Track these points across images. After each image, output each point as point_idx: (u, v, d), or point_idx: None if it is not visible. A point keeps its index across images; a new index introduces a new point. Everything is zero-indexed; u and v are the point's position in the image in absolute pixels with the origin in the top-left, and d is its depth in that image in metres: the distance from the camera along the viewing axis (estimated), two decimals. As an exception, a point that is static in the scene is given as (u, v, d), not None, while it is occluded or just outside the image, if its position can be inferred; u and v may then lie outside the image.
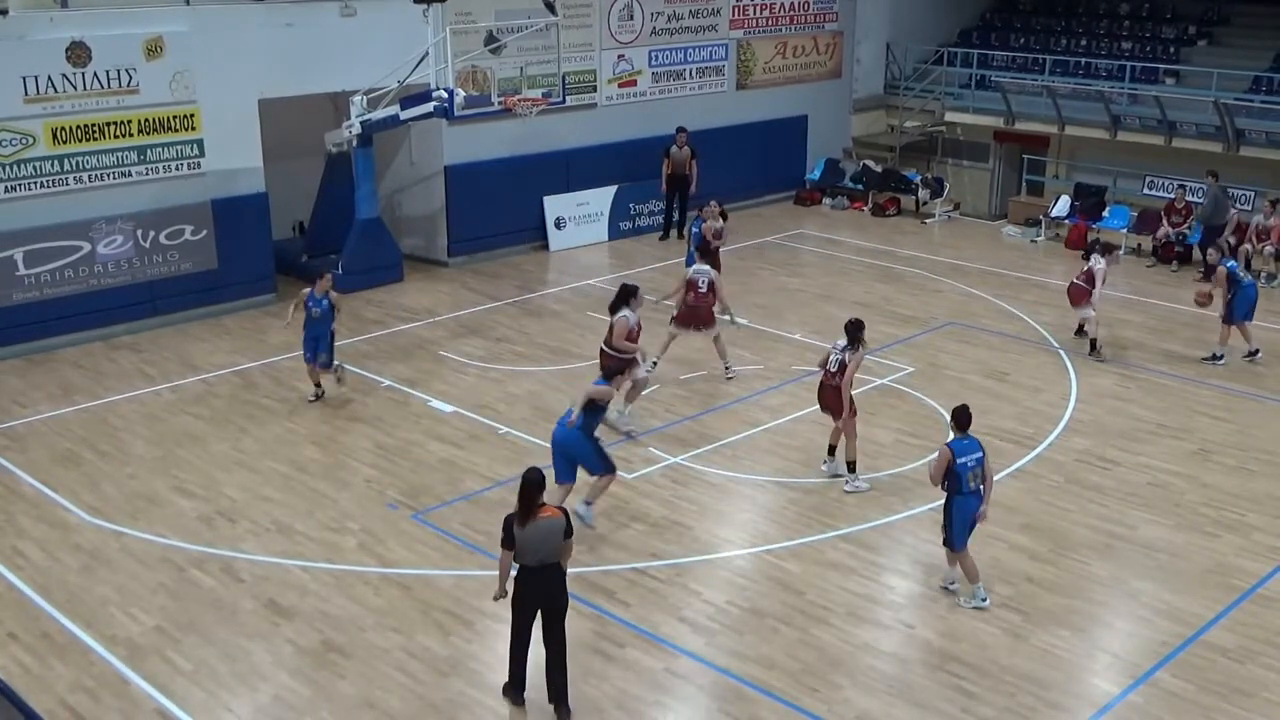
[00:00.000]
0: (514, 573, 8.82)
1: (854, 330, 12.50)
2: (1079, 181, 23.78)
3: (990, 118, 25.32)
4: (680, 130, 21.99)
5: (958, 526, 10.35)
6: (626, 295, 13.80)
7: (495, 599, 8.98)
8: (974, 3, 28.66)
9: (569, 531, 8.71)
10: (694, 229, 18.16)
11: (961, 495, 10.24)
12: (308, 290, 14.62)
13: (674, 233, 22.61)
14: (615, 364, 12.62)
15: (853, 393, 12.51)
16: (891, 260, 21.41)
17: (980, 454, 10.32)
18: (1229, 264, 16.34)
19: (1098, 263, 16.36)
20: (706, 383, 15.50)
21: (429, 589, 10.77)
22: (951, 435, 10.54)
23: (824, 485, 12.74)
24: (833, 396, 12.48)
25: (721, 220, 17.88)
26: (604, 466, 11.47)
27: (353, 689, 9.38)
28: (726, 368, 15.57)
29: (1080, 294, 16.28)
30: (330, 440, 13.88)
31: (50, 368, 16.11)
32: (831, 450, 12.94)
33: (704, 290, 15.15)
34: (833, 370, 12.44)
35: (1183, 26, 25.52)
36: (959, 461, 10.19)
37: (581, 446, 11.33)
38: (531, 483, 8.63)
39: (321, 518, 12.07)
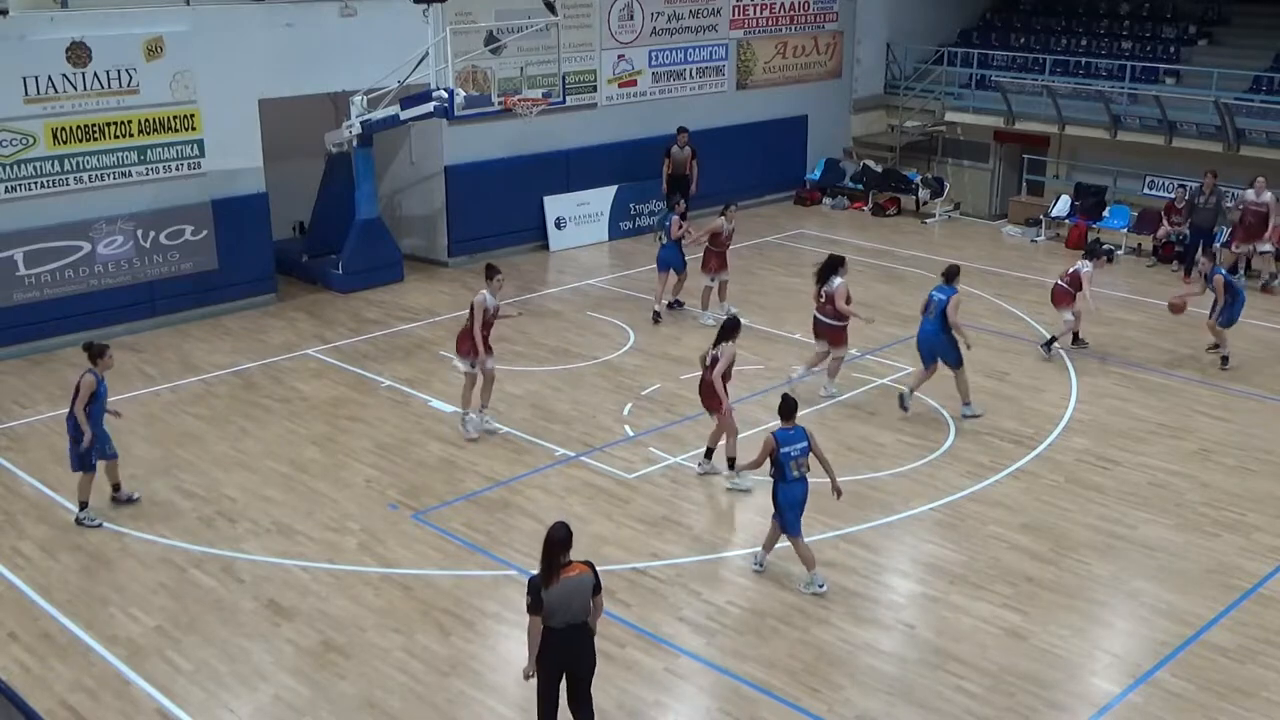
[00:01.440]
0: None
1: (723, 331, 12.56)
2: (1079, 181, 23.78)
3: (990, 118, 25.34)
4: (681, 130, 21.99)
5: (788, 513, 10.53)
6: (835, 264, 14.50)
7: (526, 677, 8.16)
8: (974, 3, 28.68)
9: (598, 587, 8.01)
10: (665, 222, 18.15)
11: (785, 483, 10.47)
12: (90, 371, 11.63)
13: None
14: (830, 330, 14.48)
15: (726, 392, 12.51)
16: (891, 260, 21.41)
17: (804, 443, 10.49)
18: (1224, 272, 16.20)
19: (1084, 266, 16.10)
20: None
21: (429, 589, 10.77)
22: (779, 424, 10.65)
23: (824, 485, 12.70)
24: (707, 391, 12.53)
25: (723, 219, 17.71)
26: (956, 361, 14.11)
27: (353, 689, 9.38)
28: (464, 416, 13.86)
29: (1063, 296, 16.19)
30: (330, 440, 13.88)
31: (50, 368, 16.10)
32: (709, 453, 12.87)
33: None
34: (707, 364, 12.55)
35: (1183, 26, 25.53)
36: (782, 451, 10.39)
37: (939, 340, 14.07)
38: (556, 541, 7.84)
39: (321, 518, 12.07)
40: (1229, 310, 15.94)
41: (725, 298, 17.89)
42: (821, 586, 10.62)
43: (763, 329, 17.48)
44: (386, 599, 10.63)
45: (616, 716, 9.04)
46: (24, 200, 16.22)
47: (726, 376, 12.50)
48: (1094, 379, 15.69)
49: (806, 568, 10.65)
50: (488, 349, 13.54)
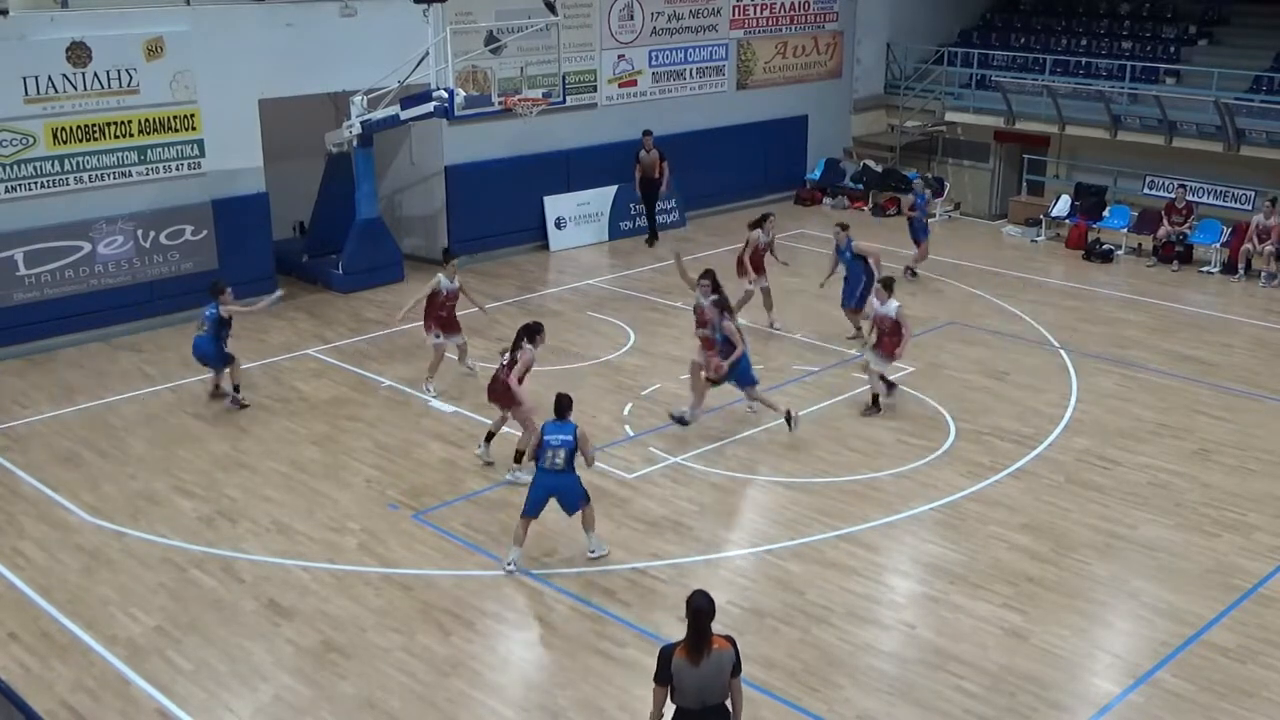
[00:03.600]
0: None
1: (524, 333, 12.57)
2: (1079, 181, 23.77)
3: (990, 117, 25.32)
4: (646, 133, 21.95)
5: (530, 494, 10.96)
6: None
7: None
8: (974, 3, 28.66)
9: (738, 667, 7.19)
10: (920, 199, 20.32)
11: (539, 471, 10.89)
12: (221, 306, 14.41)
13: (661, 236, 22.63)
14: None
15: (528, 386, 12.64)
16: (892, 260, 21.36)
17: (568, 439, 10.74)
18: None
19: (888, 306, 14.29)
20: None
21: (429, 589, 10.77)
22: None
23: (824, 485, 12.74)
24: (502, 390, 12.66)
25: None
26: None
27: (353, 689, 9.38)
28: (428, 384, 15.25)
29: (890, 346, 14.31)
30: (330, 440, 13.88)
31: (50, 368, 16.10)
32: (489, 437, 13.14)
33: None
34: (504, 364, 12.65)
35: (1183, 26, 25.52)
36: (545, 439, 10.80)
37: None
38: (704, 611, 7.04)
39: (322, 518, 12.08)
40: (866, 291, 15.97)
41: (771, 305, 17.57)
42: (510, 565, 10.94)
43: (763, 329, 17.46)
44: (387, 599, 10.63)
45: (617, 716, 9.04)
46: (24, 200, 16.22)
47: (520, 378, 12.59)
48: (1094, 379, 15.68)
49: (515, 543, 11.01)
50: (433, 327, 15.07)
